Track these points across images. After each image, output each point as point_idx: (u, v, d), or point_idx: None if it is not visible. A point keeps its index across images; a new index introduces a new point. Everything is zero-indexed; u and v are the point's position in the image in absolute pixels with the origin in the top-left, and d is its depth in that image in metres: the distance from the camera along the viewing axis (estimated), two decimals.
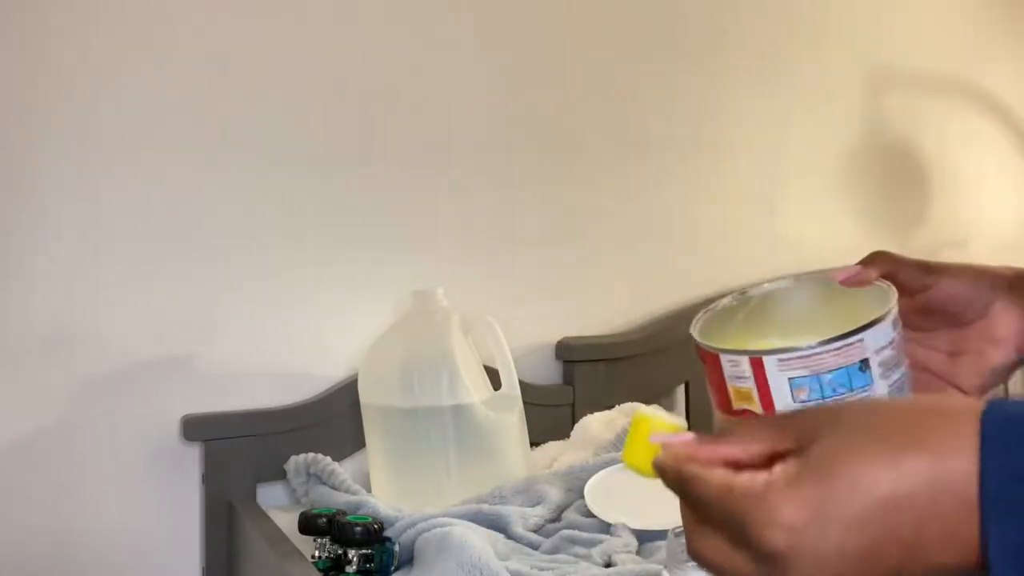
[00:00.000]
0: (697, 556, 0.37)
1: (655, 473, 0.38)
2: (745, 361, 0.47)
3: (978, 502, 0.32)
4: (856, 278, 0.54)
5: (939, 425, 0.34)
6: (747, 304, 0.56)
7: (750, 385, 0.47)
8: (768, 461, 0.35)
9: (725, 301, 0.56)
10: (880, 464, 0.33)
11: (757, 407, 0.47)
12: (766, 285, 0.56)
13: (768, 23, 1.78)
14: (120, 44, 1.16)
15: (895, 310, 0.49)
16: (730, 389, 0.49)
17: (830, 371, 0.47)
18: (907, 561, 0.33)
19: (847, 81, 1.90)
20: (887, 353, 0.48)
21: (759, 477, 0.35)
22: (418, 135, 1.37)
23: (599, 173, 1.55)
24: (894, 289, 0.52)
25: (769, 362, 0.46)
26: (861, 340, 0.47)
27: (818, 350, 0.46)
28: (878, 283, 0.53)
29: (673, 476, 0.37)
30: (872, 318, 0.48)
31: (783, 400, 0.47)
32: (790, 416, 0.38)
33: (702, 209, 1.67)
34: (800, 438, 0.35)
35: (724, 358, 0.48)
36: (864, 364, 0.47)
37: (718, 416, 0.51)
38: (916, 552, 0.33)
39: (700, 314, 0.55)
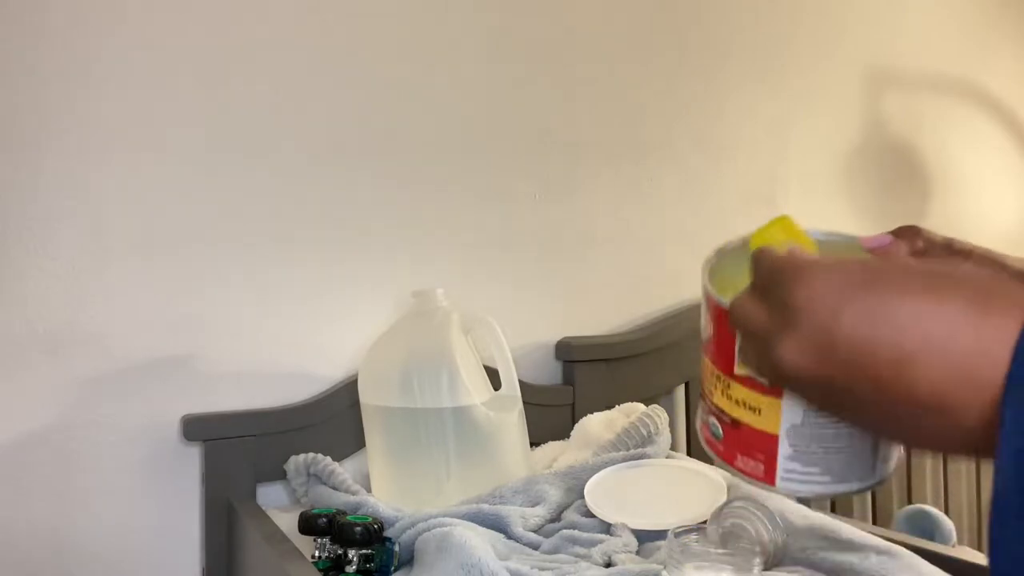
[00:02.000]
0: (735, 308, 0.43)
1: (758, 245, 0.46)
2: None
3: (1006, 375, 0.32)
4: (885, 247, 0.53)
5: (998, 291, 0.34)
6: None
7: None
8: None
9: (735, 241, 0.53)
10: (931, 292, 0.35)
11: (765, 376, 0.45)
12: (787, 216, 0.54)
13: (768, 24, 1.78)
14: (120, 44, 1.16)
15: None
16: (738, 350, 0.46)
17: None
18: (896, 382, 0.34)
19: (847, 81, 1.90)
20: None
21: (815, 255, 0.40)
22: (418, 136, 1.37)
23: (599, 173, 1.55)
24: None
25: None
26: None
27: None
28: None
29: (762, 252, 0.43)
30: None
31: None
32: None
33: (702, 209, 1.67)
34: None
35: None
36: None
37: (708, 370, 0.49)
38: (910, 379, 0.34)
39: (710, 257, 0.51)
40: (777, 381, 0.42)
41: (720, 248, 0.52)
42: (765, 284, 0.41)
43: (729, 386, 0.47)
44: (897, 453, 0.47)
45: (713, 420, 0.48)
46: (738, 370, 0.46)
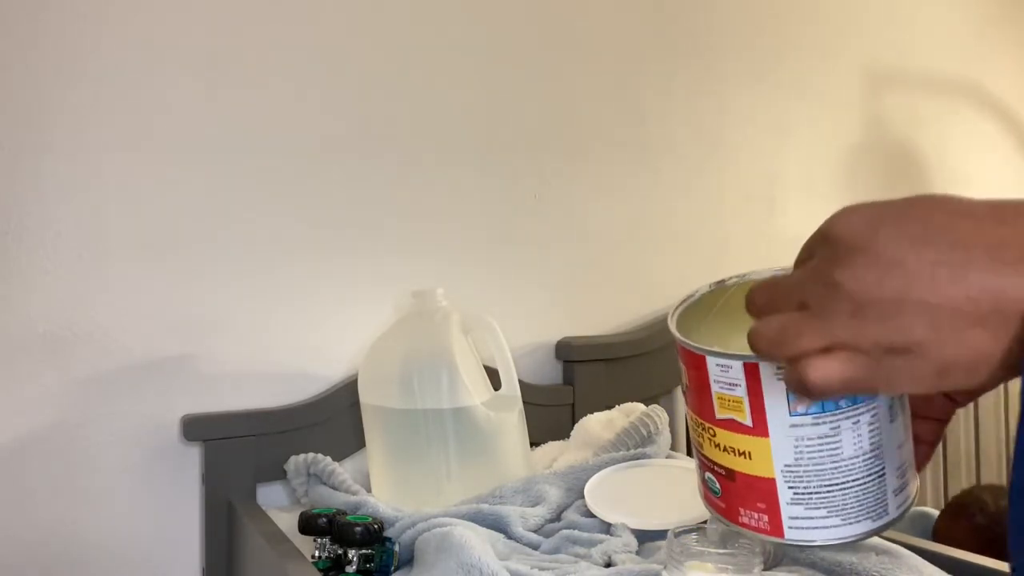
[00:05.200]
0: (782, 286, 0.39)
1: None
2: (738, 366, 0.42)
3: None
4: None
5: None
6: (724, 292, 0.52)
7: (740, 394, 0.43)
8: None
9: (703, 289, 0.52)
10: (972, 215, 0.35)
11: (746, 418, 0.43)
12: (744, 272, 0.52)
13: (768, 23, 1.78)
14: (120, 43, 1.16)
15: None
16: (715, 396, 0.44)
17: None
18: (952, 283, 0.34)
19: (847, 81, 1.90)
20: None
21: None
22: (418, 135, 1.37)
23: (599, 173, 1.55)
24: None
25: (766, 369, 0.42)
26: None
27: None
28: None
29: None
30: None
31: (778, 413, 0.42)
32: None
33: (702, 209, 1.67)
34: None
35: (712, 361, 0.43)
36: None
37: (692, 421, 0.46)
38: (966, 280, 0.34)
39: (677, 305, 0.50)
40: (842, 319, 0.37)
41: (682, 300, 0.52)
42: (802, 256, 0.40)
43: (714, 434, 0.45)
44: (913, 483, 0.44)
45: (709, 476, 0.46)
46: (719, 414, 0.44)
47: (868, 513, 0.42)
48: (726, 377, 0.43)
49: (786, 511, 0.43)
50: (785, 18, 1.81)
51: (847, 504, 0.42)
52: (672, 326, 0.47)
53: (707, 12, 1.69)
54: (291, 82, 1.27)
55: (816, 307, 0.37)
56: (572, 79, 1.53)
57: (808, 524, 0.43)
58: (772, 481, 0.43)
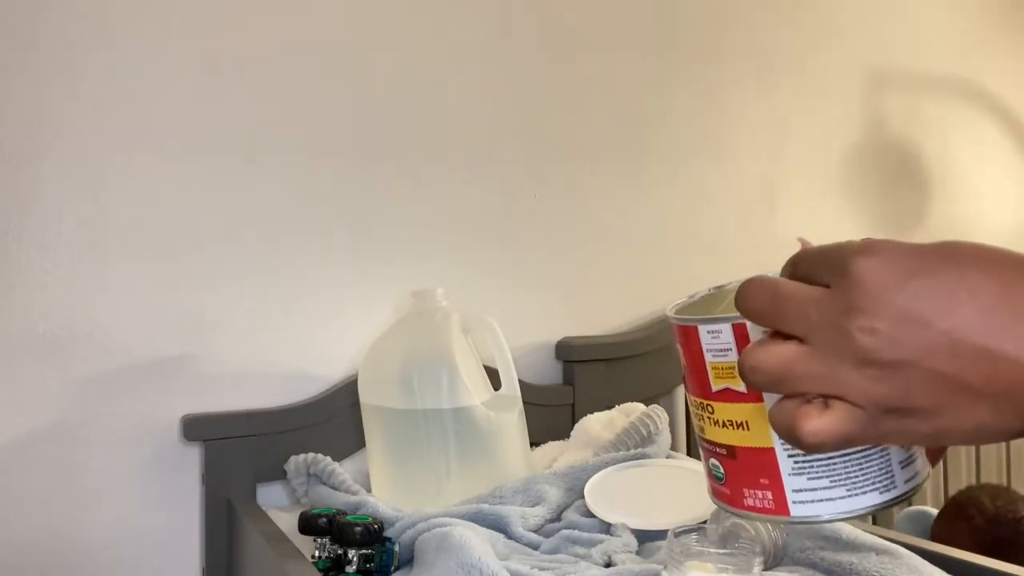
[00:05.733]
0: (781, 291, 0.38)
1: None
2: (727, 329, 0.42)
3: None
4: None
5: None
6: (725, 296, 0.52)
7: (732, 358, 0.42)
8: None
9: (702, 292, 0.52)
10: (994, 270, 0.34)
11: (740, 383, 0.42)
12: (744, 278, 0.54)
13: (768, 24, 1.78)
14: (120, 44, 1.16)
15: None
16: (709, 367, 0.44)
17: None
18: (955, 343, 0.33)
19: (847, 81, 1.90)
20: None
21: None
22: (419, 136, 1.37)
23: (599, 173, 1.55)
24: None
25: (754, 330, 0.41)
26: None
27: None
28: None
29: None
30: None
31: None
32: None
33: (702, 209, 1.67)
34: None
35: (703, 329, 0.44)
36: None
37: (693, 406, 0.46)
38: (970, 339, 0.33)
39: (674, 303, 0.50)
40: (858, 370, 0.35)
41: (682, 300, 0.52)
42: (811, 270, 0.37)
43: (713, 411, 0.45)
44: (921, 458, 0.44)
45: (713, 462, 0.46)
46: (714, 385, 0.43)
47: (874, 484, 0.42)
48: (717, 343, 0.43)
49: (788, 483, 0.43)
50: (785, 18, 1.81)
51: (850, 473, 0.41)
52: (669, 313, 0.48)
53: (707, 13, 1.69)
54: (291, 84, 1.27)
55: (821, 347, 0.35)
56: (572, 80, 1.53)
57: (813, 497, 0.42)
58: (771, 451, 0.43)
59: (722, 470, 0.46)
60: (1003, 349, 0.32)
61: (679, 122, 1.65)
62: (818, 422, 0.35)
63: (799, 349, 0.36)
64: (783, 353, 0.36)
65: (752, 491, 0.44)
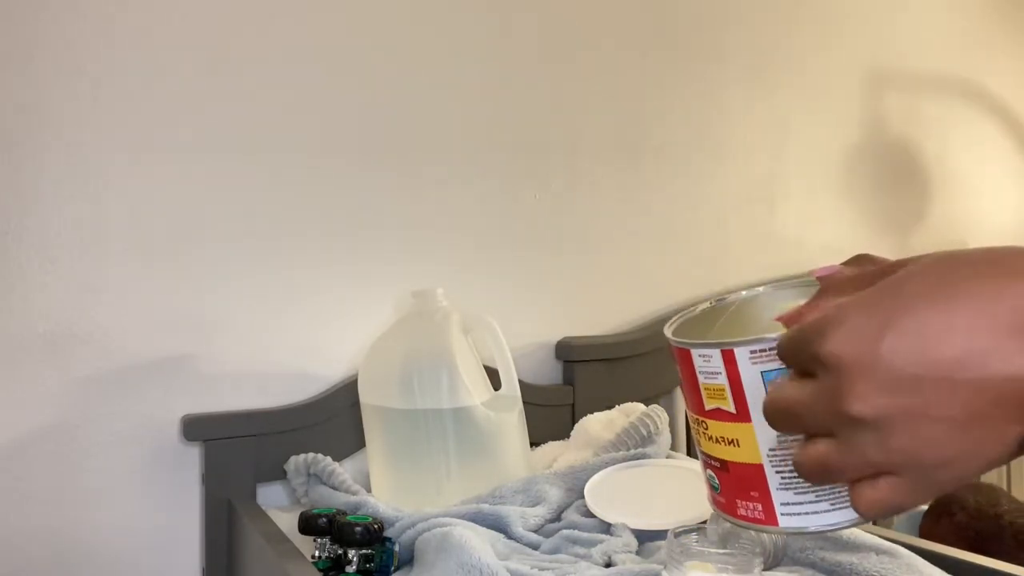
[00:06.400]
0: (772, 402, 0.38)
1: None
2: (717, 354, 0.44)
3: None
4: (834, 275, 0.53)
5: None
6: (725, 310, 0.54)
7: (722, 381, 0.45)
8: None
9: (702, 306, 0.54)
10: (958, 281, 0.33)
11: (729, 405, 0.45)
12: (744, 292, 0.54)
13: (768, 24, 1.78)
14: (120, 44, 1.16)
15: None
16: (702, 388, 0.46)
17: None
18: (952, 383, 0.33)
19: (847, 81, 1.90)
20: None
21: (838, 300, 0.37)
22: (419, 136, 1.37)
23: (599, 173, 1.55)
24: None
25: (741, 354, 0.43)
26: None
27: None
28: None
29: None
30: None
31: (756, 396, 0.44)
32: (877, 269, 0.40)
33: (702, 209, 1.67)
34: (885, 275, 0.37)
35: (695, 353, 0.46)
36: None
37: (691, 419, 0.48)
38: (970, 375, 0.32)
39: (675, 317, 0.52)
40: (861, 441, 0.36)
41: (681, 314, 0.53)
42: (794, 363, 0.38)
43: (707, 427, 0.46)
44: None
45: (710, 473, 0.48)
46: (707, 404, 0.45)
47: None
48: (708, 367, 0.45)
49: (776, 497, 0.44)
50: (785, 18, 1.81)
51: (834, 488, 0.43)
52: (667, 332, 0.49)
53: (707, 12, 1.69)
54: (292, 85, 1.27)
55: (842, 437, 0.36)
56: (572, 80, 1.53)
57: (799, 510, 0.44)
58: (760, 467, 0.44)
59: (717, 481, 0.48)
60: (1002, 370, 0.33)
61: (679, 122, 1.65)
62: (869, 498, 0.36)
63: (828, 444, 0.36)
64: (818, 452, 0.37)
65: (744, 502, 0.46)
